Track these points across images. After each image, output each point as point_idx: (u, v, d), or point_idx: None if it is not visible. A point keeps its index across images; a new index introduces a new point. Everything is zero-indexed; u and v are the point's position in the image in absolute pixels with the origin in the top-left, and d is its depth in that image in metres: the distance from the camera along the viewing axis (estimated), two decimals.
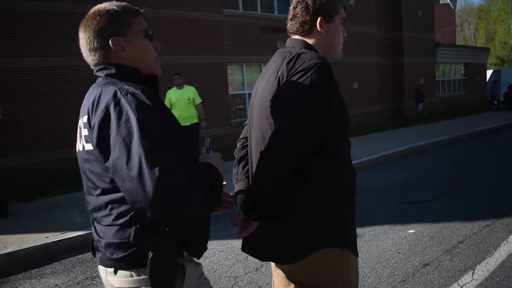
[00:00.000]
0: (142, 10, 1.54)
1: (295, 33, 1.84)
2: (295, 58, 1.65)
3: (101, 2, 1.50)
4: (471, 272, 3.84)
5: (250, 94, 14.45)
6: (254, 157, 1.79)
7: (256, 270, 4.12)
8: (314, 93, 1.59)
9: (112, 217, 1.36)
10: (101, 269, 1.46)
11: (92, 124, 1.31)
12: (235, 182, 1.91)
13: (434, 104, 24.01)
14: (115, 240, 1.36)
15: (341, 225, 1.73)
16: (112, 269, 1.39)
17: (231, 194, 1.79)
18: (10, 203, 6.79)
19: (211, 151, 1.53)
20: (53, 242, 5.12)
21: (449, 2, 36.75)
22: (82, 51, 1.51)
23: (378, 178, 8.18)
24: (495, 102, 24.28)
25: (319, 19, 1.77)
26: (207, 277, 1.64)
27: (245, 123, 2.10)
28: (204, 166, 1.38)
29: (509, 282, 3.59)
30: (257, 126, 1.79)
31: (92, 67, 1.53)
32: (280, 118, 1.62)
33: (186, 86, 8.63)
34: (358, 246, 1.84)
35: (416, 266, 4.04)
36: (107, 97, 1.32)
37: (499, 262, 4.01)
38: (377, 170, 9.04)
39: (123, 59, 1.48)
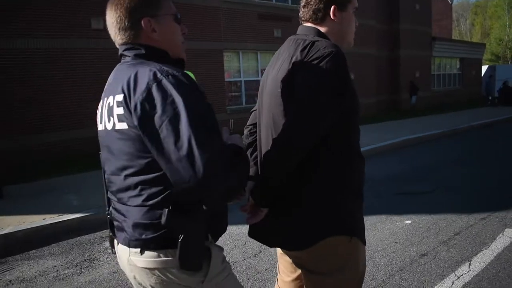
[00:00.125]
0: None
1: (307, 21, 1.82)
2: (309, 45, 1.64)
3: None
4: (467, 263, 3.89)
5: (246, 82, 14.46)
6: (264, 144, 1.78)
7: (255, 256, 4.15)
8: (329, 81, 1.58)
9: (143, 197, 1.35)
10: (123, 249, 1.44)
11: (132, 104, 1.29)
12: None
13: (429, 97, 24.11)
14: (145, 220, 1.36)
15: (351, 213, 1.74)
16: (138, 249, 1.38)
17: None
18: (6, 184, 6.76)
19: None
20: (51, 224, 5.11)
21: None
22: (109, 29, 1.49)
23: (375, 169, 8.21)
24: (490, 98, 24.42)
25: (332, 7, 1.76)
26: None
27: (252, 110, 2.09)
28: (235, 147, 1.40)
29: (505, 274, 3.64)
30: (267, 113, 1.78)
31: (118, 45, 1.51)
32: (294, 105, 1.60)
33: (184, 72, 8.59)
34: None
35: (413, 256, 4.08)
36: (146, 77, 1.30)
37: (495, 254, 4.06)
38: (374, 161, 9.07)
39: (153, 40, 1.47)
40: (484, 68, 32.19)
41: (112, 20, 1.45)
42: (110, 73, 1.54)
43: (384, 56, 21.59)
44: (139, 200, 1.36)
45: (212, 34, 13.25)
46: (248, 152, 1.98)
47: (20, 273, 4.07)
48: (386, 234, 4.66)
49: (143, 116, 1.27)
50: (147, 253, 1.37)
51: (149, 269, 1.38)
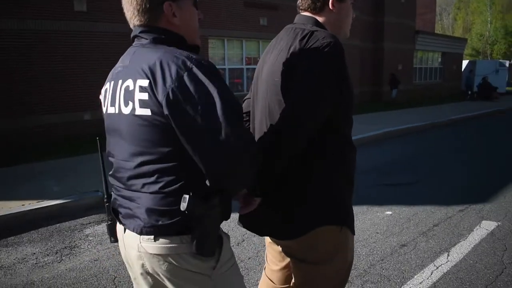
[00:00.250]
0: None
1: (305, 10, 1.82)
2: (308, 35, 1.63)
3: None
4: (446, 254, 3.97)
5: (230, 70, 14.38)
6: (258, 133, 1.78)
7: (238, 245, 4.16)
8: (328, 71, 1.59)
9: (160, 185, 1.34)
10: (132, 236, 1.42)
11: (161, 91, 1.26)
12: None
13: (410, 90, 24.34)
14: (161, 207, 1.35)
15: (342, 203, 1.75)
16: (151, 236, 1.36)
17: None
18: None
19: None
20: (30, 210, 5.03)
21: None
22: (126, 9, 1.46)
23: (357, 161, 8.27)
24: (469, 92, 24.79)
25: None
26: None
27: (245, 98, 2.07)
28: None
29: (482, 265, 3.73)
30: (263, 102, 1.77)
31: (133, 27, 1.48)
32: (293, 94, 1.60)
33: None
34: None
35: (394, 246, 4.15)
36: (174, 65, 1.28)
37: (472, 246, 4.15)
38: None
39: (172, 25, 1.45)
40: (464, 63, 32.64)
41: (132, 0, 1.42)
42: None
43: (368, 48, 21.69)
44: (155, 187, 1.35)
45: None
46: None
47: None
48: (367, 225, 4.72)
49: (175, 104, 1.25)
50: (161, 239, 1.36)
51: (162, 255, 1.37)
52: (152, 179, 1.35)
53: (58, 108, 10.34)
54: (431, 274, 3.58)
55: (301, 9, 1.84)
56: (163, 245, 1.36)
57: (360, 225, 4.62)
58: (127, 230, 1.45)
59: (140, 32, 1.45)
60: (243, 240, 4.24)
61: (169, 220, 1.34)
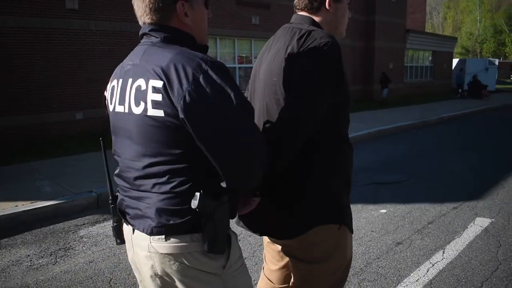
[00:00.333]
0: None
1: (302, 10, 1.82)
2: (306, 35, 1.63)
3: None
4: (441, 251, 3.99)
5: None
6: None
7: None
8: (327, 70, 1.59)
9: (172, 185, 1.34)
10: (142, 236, 1.40)
11: (176, 93, 1.26)
12: None
13: (402, 89, 24.48)
14: (172, 206, 1.34)
15: (340, 202, 1.76)
16: (162, 236, 1.36)
17: None
18: None
19: None
20: (23, 211, 4.97)
21: None
22: (137, 6, 1.44)
23: None
24: (460, 90, 24.97)
25: None
26: None
27: None
28: None
29: (477, 262, 3.75)
30: (260, 101, 1.77)
31: (143, 24, 1.46)
32: (292, 95, 1.60)
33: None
34: None
35: (389, 245, 4.17)
36: (190, 67, 1.27)
37: (467, 243, 4.18)
38: None
39: (183, 24, 1.44)
40: (455, 62, 32.89)
41: None
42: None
43: (359, 47, 21.76)
44: (167, 187, 1.35)
45: None
46: None
47: None
48: (362, 223, 4.73)
49: (192, 107, 1.25)
50: (172, 239, 1.36)
51: (174, 255, 1.36)
52: (163, 179, 1.35)
53: (49, 108, 10.25)
54: (427, 271, 3.60)
55: (298, 9, 1.84)
56: (175, 244, 1.35)
57: (355, 224, 4.63)
58: (136, 230, 1.44)
59: (150, 30, 1.43)
60: (239, 240, 4.21)
61: (180, 219, 1.34)
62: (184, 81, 1.26)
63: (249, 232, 1.93)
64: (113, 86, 1.50)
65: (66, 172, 6.80)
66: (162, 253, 1.37)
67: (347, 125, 1.79)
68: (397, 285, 3.39)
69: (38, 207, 5.09)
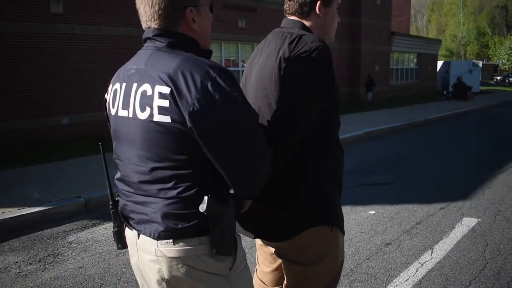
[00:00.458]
0: None
1: (292, 14, 1.83)
2: (297, 39, 1.65)
3: None
4: (430, 251, 4.04)
5: None
6: None
7: None
8: (318, 75, 1.61)
9: (178, 190, 1.34)
10: (148, 241, 1.40)
11: (185, 100, 1.26)
12: None
13: (387, 91, 24.71)
14: (179, 211, 1.34)
15: (332, 204, 1.77)
16: (170, 240, 1.36)
17: None
18: None
19: None
20: (11, 218, 4.90)
21: None
22: (143, 10, 1.42)
23: None
24: (445, 92, 25.27)
25: (318, 2, 1.78)
26: None
27: None
28: None
29: (465, 261, 3.81)
30: (252, 105, 1.78)
31: (147, 28, 1.45)
32: (284, 99, 1.61)
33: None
34: None
35: (379, 245, 4.20)
36: (198, 74, 1.28)
37: (455, 243, 4.23)
38: None
39: (191, 30, 1.44)
40: (439, 64, 33.32)
41: (153, 3, 1.39)
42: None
43: (345, 50, 21.93)
44: (173, 193, 1.35)
45: None
46: None
47: None
48: (352, 225, 4.77)
49: (200, 114, 1.25)
50: (180, 242, 1.36)
51: (181, 258, 1.36)
52: (170, 185, 1.35)
53: (35, 113, 10.15)
54: (416, 271, 3.64)
55: (288, 13, 1.86)
56: (183, 248, 1.36)
57: (345, 225, 4.63)
58: (141, 235, 1.43)
59: (155, 35, 1.42)
60: None
61: (187, 223, 1.34)
62: (192, 88, 1.26)
63: (241, 234, 1.94)
64: (116, 90, 1.48)
65: (53, 178, 6.73)
66: (169, 257, 1.37)
67: (337, 128, 1.81)
68: (387, 285, 3.43)
69: (25, 214, 5.03)
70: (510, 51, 38.87)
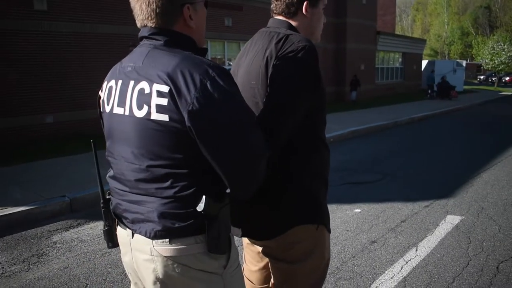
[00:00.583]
0: None
1: (279, 14, 1.84)
2: (283, 39, 1.66)
3: None
4: (414, 249, 4.09)
5: None
6: None
7: None
8: (305, 74, 1.62)
9: (175, 190, 1.34)
10: (143, 240, 1.39)
11: (184, 99, 1.25)
12: None
13: (372, 90, 24.89)
14: (175, 210, 1.34)
15: (318, 203, 1.79)
16: (166, 239, 1.35)
17: None
18: None
19: None
20: None
21: None
22: (139, 8, 1.40)
23: None
24: (429, 91, 25.54)
25: (305, 3, 1.79)
26: None
27: None
28: None
29: (449, 258, 3.86)
30: None
31: (143, 27, 1.43)
32: (271, 98, 1.62)
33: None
34: None
35: (364, 243, 4.24)
36: (197, 73, 1.27)
37: (439, 240, 4.29)
38: None
39: (187, 28, 1.43)
40: (424, 63, 33.67)
41: (150, 1, 1.37)
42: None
43: (331, 49, 22.03)
44: (170, 192, 1.34)
45: None
46: None
47: None
48: (337, 223, 4.80)
49: (199, 113, 1.25)
50: (177, 241, 1.35)
51: (177, 257, 1.36)
52: (166, 184, 1.34)
53: (18, 111, 10.01)
54: (401, 268, 3.68)
55: (275, 13, 1.87)
56: (179, 247, 1.35)
57: (331, 224, 4.65)
58: (136, 234, 1.42)
59: (151, 34, 1.42)
60: None
61: (184, 222, 1.34)
62: (191, 87, 1.26)
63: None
64: (111, 87, 1.47)
65: (37, 177, 6.65)
66: (165, 256, 1.36)
67: (324, 127, 1.83)
68: (373, 282, 3.46)
69: (9, 213, 4.96)
70: (493, 51, 39.38)
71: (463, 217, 4.96)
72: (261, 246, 1.87)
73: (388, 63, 28.79)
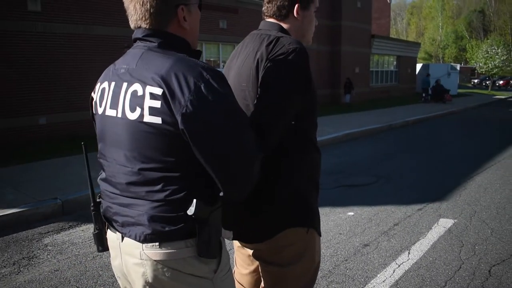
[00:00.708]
0: None
1: (271, 17, 1.84)
2: (274, 41, 1.66)
3: None
4: (407, 252, 4.09)
5: None
6: None
7: None
8: (295, 76, 1.61)
9: (166, 193, 1.32)
10: (133, 244, 1.38)
11: (177, 102, 1.24)
12: None
13: (367, 93, 24.96)
14: (166, 213, 1.33)
15: (309, 206, 1.78)
16: (156, 243, 1.34)
17: None
18: None
19: None
20: None
21: None
22: (133, 9, 1.39)
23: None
24: (424, 95, 25.63)
25: (296, 5, 1.80)
26: None
27: None
28: None
29: (441, 261, 3.86)
30: None
31: (137, 28, 1.42)
32: (262, 101, 1.61)
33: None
34: None
35: (357, 247, 4.24)
36: (191, 75, 1.26)
37: (431, 243, 4.29)
38: None
39: (181, 30, 1.42)
40: (418, 66, 33.81)
41: (144, 1, 1.36)
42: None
43: (325, 51, 22.07)
44: (161, 195, 1.33)
45: None
46: None
47: None
48: (330, 226, 4.80)
49: (193, 116, 1.24)
50: (167, 245, 1.34)
51: (167, 261, 1.35)
52: (157, 187, 1.33)
53: (11, 112, 9.94)
54: (393, 272, 3.68)
55: (266, 16, 1.87)
56: (169, 251, 1.34)
57: (324, 227, 4.69)
58: (126, 238, 1.41)
59: (145, 35, 1.40)
60: None
61: (175, 226, 1.33)
62: (185, 90, 1.25)
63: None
64: (103, 88, 1.46)
65: (29, 179, 6.61)
66: (155, 260, 1.35)
67: (315, 129, 1.83)
68: (365, 286, 3.45)
69: (0, 215, 4.92)
70: (487, 55, 39.61)
71: (456, 220, 4.97)
72: (251, 249, 1.87)
73: (383, 66, 28.89)
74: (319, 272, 3.63)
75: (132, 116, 1.33)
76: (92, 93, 1.54)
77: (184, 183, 1.33)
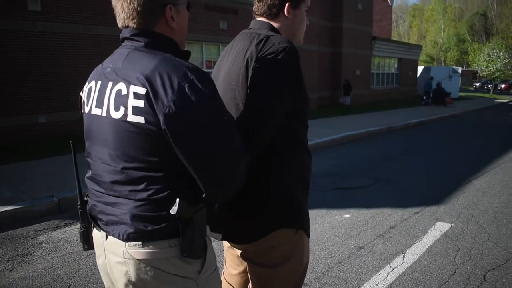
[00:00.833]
0: None
1: (261, 15, 1.84)
2: (264, 40, 1.65)
3: None
4: (402, 256, 4.07)
5: None
6: None
7: None
8: (285, 75, 1.61)
9: (149, 192, 1.32)
10: (116, 242, 1.38)
11: (160, 102, 1.24)
12: None
13: (368, 95, 24.96)
14: (149, 213, 1.33)
15: (298, 207, 1.77)
16: (139, 242, 1.34)
17: None
18: None
19: None
20: None
21: None
22: (121, 7, 1.39)
23: (314, 164, 8.38)
24: (424, 98, 25.61)
25: (287, 4, 1.79)
26: None
27: None
28: None
29: (436, 266, 3.85)
30: None
31: (125, 27, 1.42)
32: (252, 100, 1.61)
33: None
34: None
35: (352, 249, 4.23)
36: (175, 75, 1.26)
37: (427, 247, 4.28)
38: (314, 156, 9.23)
39: (169, 29, 1.42)
40: (420, 69, 33.80)
41: (131, 0, 1.36)
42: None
43: (326, 53, 22.07)
44: (144, 195, 1.33)
45: None
46: None
47: None
48: (326, 228, 4.78)
49: (175, 116, 1.24)
50: (150, 244, 1.34)
51: (150, 260, 1.34)
52: (141, 186, 1.33)
53: (11, 110, 9.94)
54: (387, 275, 3.67)
55: (257, 14, 1.86)
56: (152, 250, 1.34)
57: (319, 229, 4.68)
58: (109, 237, 1.40)
59: (132, 35, 1.40)
60: None
61: (157, 225, 1.33)
62: (169, 90, 1.24)
63: (208, 236, 1.93)
64: (91, 88, 1.46)
65: (26, 176, 6.61)
66: (138, 259, 1.35)
67: (305, 130, 1.82)
68: None
69: None
70: (488, 58, 39.55)
71: (452, 224, 4.95)
72: (240, 250, 1.86)
73: (384, 68, 28.89)
74: (312, 274, 3.64)
75: (116, 115, 1.33)
76: (81, 93, 1.55)
77: (167, 183, 1.33)
